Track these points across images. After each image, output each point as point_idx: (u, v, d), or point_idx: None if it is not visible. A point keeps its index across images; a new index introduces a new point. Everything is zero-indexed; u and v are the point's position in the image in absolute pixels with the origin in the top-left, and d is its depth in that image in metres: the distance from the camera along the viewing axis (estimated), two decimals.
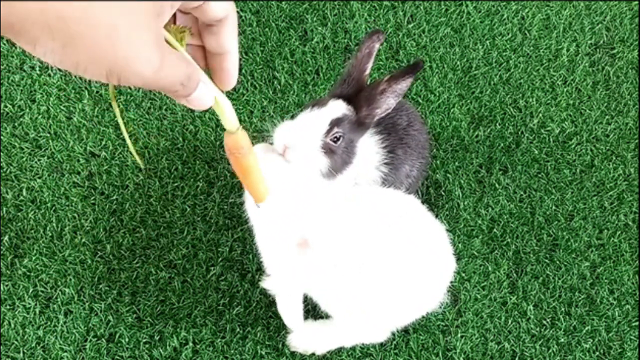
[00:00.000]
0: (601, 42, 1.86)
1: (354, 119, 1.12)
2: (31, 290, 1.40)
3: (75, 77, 1.65)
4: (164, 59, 0.48)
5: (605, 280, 1.50)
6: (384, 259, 1.05)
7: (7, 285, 1.41)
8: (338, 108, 1.12)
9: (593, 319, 1.46)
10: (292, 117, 1.16)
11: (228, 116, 0.69)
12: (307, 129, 1.09)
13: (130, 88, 1.64)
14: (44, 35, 0.42)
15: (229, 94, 1.46)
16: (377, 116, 1.13)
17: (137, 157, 0.73)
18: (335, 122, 1.10)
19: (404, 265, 1.07)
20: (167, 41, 0.53)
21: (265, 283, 1.41)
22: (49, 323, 1.38)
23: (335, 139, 1.10)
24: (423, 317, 1.42)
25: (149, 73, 0.47)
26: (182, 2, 0.49)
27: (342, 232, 0.99)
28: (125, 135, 0.68)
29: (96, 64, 0.45)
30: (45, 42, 0.42)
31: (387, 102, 1.11)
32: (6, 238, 1.46)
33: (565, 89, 1.77)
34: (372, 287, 1.07)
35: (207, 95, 0.58)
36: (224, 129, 0.72)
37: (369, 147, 1.25)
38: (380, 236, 1.06)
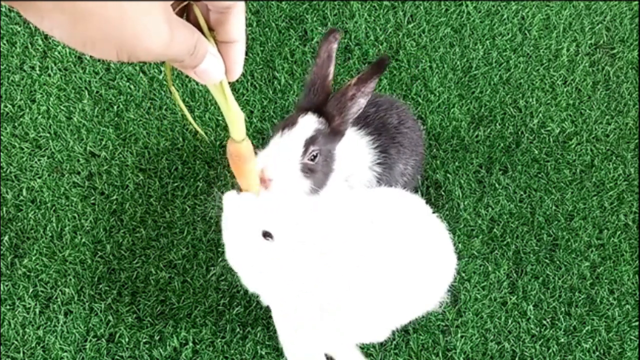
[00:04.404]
0: (601, 42, 1.86)
1: (327, 131, 1.10)
2: (31, 290, 1.40)
3: (75, 77, 1.65)
4: (173, 33, 0.47)
5: (605, 280, 1.50)
6: (386, 257, 1.05)
7: (7, 285, 1.41)
8: (309, 125, 1.09)
9: (593, 319, 1.46)
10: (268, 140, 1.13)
11: (237, 127, 0.72)
12: (283, 156, 1.06)
13: (130, 88, 1.64)
14: (53, 9, 0.41)
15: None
16: (350, 120, 1.10)
17: (200, 131, 0.75)
18: (310, 141, 1.07)
19: (406, 263, 1.07)
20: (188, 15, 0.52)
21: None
22: (49, 323, 1.38)
23: (312, 158, 1.08)
24: (423, 317, 1.42)
25: (159, 49, 0.46)
26: None
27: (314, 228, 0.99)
28: (185, 112, 0.69)
29: (106, 41, 0.44)
30: (53, 16, 0.41)
31: (358, 104, 1.08)
32: (6, 238, 1.46)
33: (565, 89, 1.77)
34: (374, 285, 1.07)
35: (215, 68, 0.57)
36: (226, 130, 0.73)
37: (360, 147, 1.24)
38: (381, 234, 1.06)
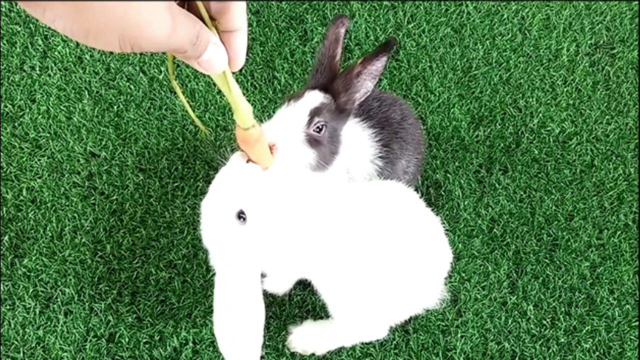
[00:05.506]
0: (601, 42, 1.86)
1: (333, 107, 1.10)
2: (31, 290, 1.40)
3: (75, 77, 1.65)
4: (175, 21, 0.47)
5: (605, 280, 1.50)
6: (378, 250, 1.05)
7: (7, 285, 1.41)
8: (315, 98, 1.10)
9: (593, 319, 1.46)
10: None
11: (242, 115, 0.73)
12: (288, 123, 1.07)
13: (130, 88, 1.64)
14: (55, 0, 0.41)
15: None
16: (356, 101, 1.11)
17: (202, 126, 0.77)
18: (315, 112, 1.07)
19: (399, 256, 1.07)
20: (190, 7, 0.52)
21: (265, 284, 1.42)
22: (49, 323, 1.38)
23: (318, 129, 1.08)
24: (423, 317, 1.42)
25: (162, 38, 0.46)
26: None
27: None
28: (187, 106, 0.70)
29: (108, 32, 0.43)
30: (55, 7, 0.41)
31: (365, 85, 1.08)
32: (6, 238, 1.46)
33: (565, 89, 1.77)
34: (368, 279, 1.07)
35: (218, 58, 0.56)
36: (231, 122, 0.74)
37: (362, 140, 1.24)
38: (373, 226, 1.06)
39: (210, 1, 0.54)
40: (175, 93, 1.65)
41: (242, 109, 0.71)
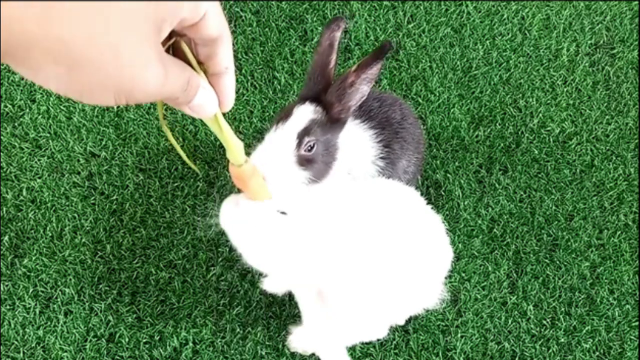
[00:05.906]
0: (601, 42, 1.86)
1: (325, 120, 1.07)
2: (31, 290, 1.40)
3: None
4: (167, 71, 0.47)
5: (605, 280, 1.50)
6: (378, 250, 1.05)
7: (7, 285, 1.41)
8: (304, 115, 1.07)
9: (593, 319, 1.46)
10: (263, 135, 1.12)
11: (235, 154, 0.72)
12: (276, 149, 1.04)
13: None
14: (46, 60, 0.40)
15: None
16: (352, 109, 1.08)
17: (193, 166, 0.76)
18: (304, 133, 1.05)
19: (399, 255, 1.07)
20: (176, 50, 0.52)
21: (265, 284, 1.42)
22: (49, 323, 1.38)
23: (309, 148, 1.06)
24: (423, 317, 1.42)
25: (155, 89, 0.46)
26: (182, 16, 0.47)
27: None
28: (177, 147, 0.69)
29: (103, 88, 0.43)
30: (48, 67, 0.40)
31: (361, 91, 1.05)
32: (6, 238, 1.46)
33: (565, 89, 1.77)
34: (368, 278, 1.07)
35: (209, 101, 0.57)
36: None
37: (363, 141, 1.24)
38: (373, 225, 1.05)
39: (197, 45, 0.54)
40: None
41: (234, 147, 0.70)
